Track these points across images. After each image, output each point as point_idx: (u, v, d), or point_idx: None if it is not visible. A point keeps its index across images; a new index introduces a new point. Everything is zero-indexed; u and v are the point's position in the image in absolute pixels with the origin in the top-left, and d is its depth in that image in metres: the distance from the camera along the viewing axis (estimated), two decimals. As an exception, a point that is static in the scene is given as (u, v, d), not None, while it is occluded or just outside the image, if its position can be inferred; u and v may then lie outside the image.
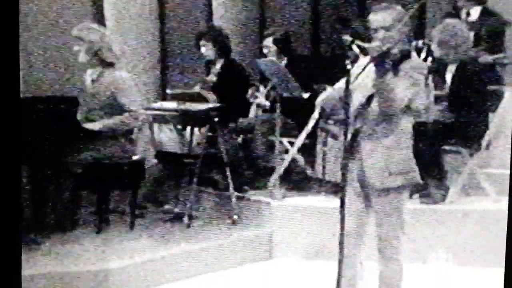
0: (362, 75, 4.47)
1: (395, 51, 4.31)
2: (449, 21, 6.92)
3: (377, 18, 4.46)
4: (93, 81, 6.35)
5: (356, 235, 4.51)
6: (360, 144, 4.45)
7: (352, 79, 4.42)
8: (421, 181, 4.60)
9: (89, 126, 6.16)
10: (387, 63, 4.27)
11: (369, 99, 4.44)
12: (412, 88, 4.38)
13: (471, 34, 7.07)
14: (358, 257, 4.55)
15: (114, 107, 6.22)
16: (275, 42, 7.46)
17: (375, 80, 4.29)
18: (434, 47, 6.73)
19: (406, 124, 4.46)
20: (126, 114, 6.21)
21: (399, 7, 4.52)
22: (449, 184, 6.57)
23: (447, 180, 6.53)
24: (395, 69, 4.34)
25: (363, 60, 4.53)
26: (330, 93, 4.66)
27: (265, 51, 7.52)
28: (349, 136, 4.42)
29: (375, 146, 4.42)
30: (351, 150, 4.44)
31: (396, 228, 4.51)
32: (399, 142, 4.43)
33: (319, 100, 4.76)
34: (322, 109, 4.65)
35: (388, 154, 4.40)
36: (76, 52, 6.30)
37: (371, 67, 4.39)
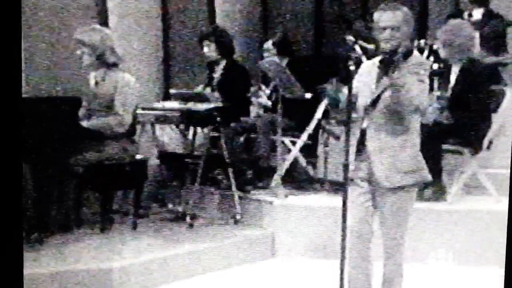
0: (367, 76, 4.50)
1: (400, 49, 4.35)
2: (454, 21, 6.93)
3: (385, 17, 4.46)
4: (97, 83, 6.36)
5: (361, 234, 4.53)
6: (367, 144, 4.47)
7: (356, 81, 4.45)
8: (430, 179, 4.62)
9: (82, 123, 6.17)
10: (395, 60, 4.30)
11: (376, 99, 4.46)
12: (417, 86, 4.40)
13: (476, 34, 7.08)
14: (366, 256, 4.58)
15: (112, 108, 6.24)
16: (274, 45, 7.47)
17: (388, 77, 4.32)
18: (439, 47, 6.73)
19: (413, 122, 4.48)
20: (111, 117, 6.22)
21: (405, 9, 4.53)
22: (451, 184, 6.59)
23: (443, 180, 6.55)
24: (401, 66, 4.37)
25: (367, 62, 4.55)
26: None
27: (265, 54, 7.54)
28: (356, 136, 4.45)
29: (382, 145, 4.44)
30: (358, 149, 4.47)
31: (401, 228, 4.53)
32: (407, 141, 4.45)
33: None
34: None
35: (396, 153, 4.43)
36: (80, 56, 6.31)
37: (376, 67, 4.43)
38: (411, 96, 4.30)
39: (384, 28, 4.45)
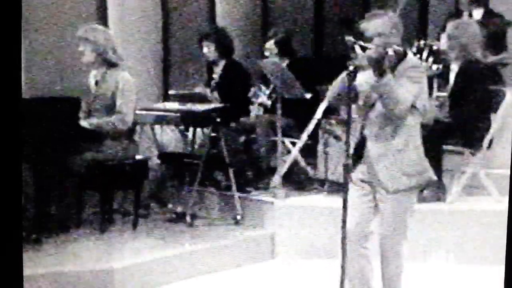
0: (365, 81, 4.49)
1: (391, 53, 4.33)
2: (461, 19, 6.94)
3: (370, 26, 4.46)
4: (97, 82, 6.37)
5: (361, 234, 4.53)
6: (368, 147, 4.46)
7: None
8: (436, 179, 4.62)
9: (82, 123, 6.17)
10: (384, 65, 4.29)
11: (372, 105, 4.46)
12: (414, 87, 4.39)
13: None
14: (366, 257, 4.58)
15: (113, 108, 6.25)
16: (277, 44, 7.46)
17: (375, 84, 4.31)
18: (444, 39, 6.72)
19: (413, 123, 4.48)
20: (114, 116, 6.22)
21: (391, 13, 4.54)
22: (451, 184, 6.59)
23: (443, 180, 6.54)
24: (393, 70, 4.36)
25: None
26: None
27: (266, 53, 7.53)
28: (356, 139, 4.45)
29: (384, 148, 4.43)
30: (359, 152, 4.47)
31: (401, 228, 4.54)
32: (409, 142, 4.45)
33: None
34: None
35: (399, 156, 4.42)
36: (81, 53, 6.31)
37: (370, 72, 4.42)
38: (395, 99, 4.29)
39: (371, 38, 4.45)
